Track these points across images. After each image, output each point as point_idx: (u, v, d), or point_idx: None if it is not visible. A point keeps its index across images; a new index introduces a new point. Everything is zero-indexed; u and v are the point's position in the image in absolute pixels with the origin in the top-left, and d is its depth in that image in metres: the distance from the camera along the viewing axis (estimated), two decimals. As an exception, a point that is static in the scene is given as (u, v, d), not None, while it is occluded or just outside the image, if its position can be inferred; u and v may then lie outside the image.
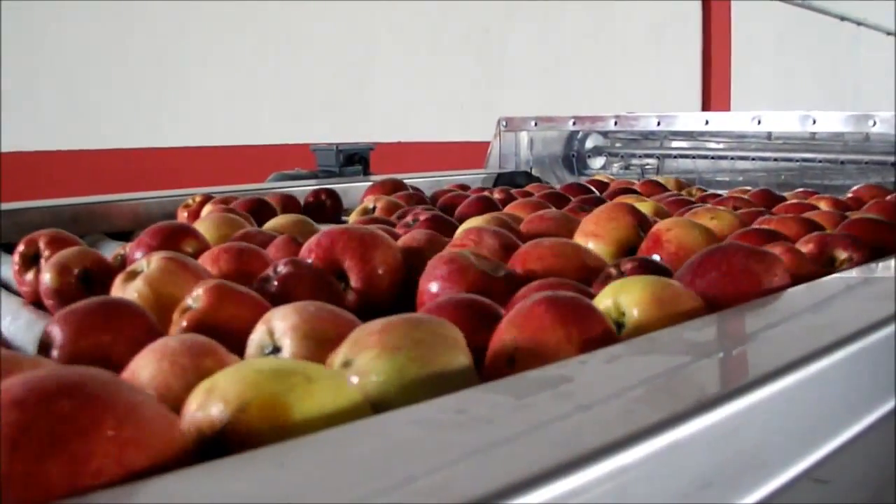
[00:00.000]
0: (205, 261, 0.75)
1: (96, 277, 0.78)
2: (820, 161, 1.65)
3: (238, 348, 0.50)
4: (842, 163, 1.61)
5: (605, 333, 0.47)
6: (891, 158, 1.48)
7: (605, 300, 0.55)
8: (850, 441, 0.40)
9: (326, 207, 1.36)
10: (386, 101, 4.19)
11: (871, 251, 0.79)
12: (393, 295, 0.77)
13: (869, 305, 0.53)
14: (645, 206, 1.02)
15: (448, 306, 0.56)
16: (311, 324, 0.50)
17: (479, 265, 0.68)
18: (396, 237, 0.87)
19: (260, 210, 1.17)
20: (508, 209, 1.13)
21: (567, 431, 0.29)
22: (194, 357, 0.45)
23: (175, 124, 3.42)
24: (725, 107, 6.38)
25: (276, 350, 0.50)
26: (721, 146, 1.88)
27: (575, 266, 0.73)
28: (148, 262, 0.69)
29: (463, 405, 0.31)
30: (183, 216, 1.22)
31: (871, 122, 1.35)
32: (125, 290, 0.67)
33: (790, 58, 7.44)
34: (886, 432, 0.42)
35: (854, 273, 0.67)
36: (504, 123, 1.92)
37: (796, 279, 0.63)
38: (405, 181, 1.50)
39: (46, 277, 0.77)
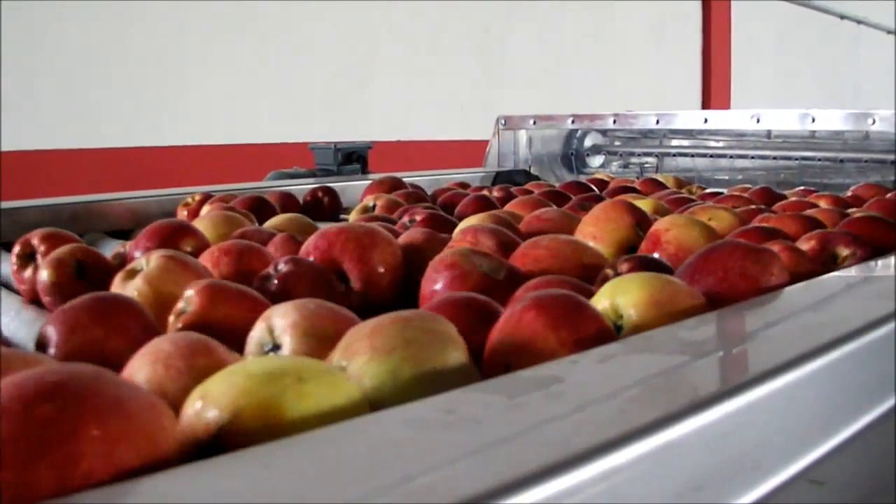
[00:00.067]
0: (205, 259, 0.75)
1: (92, 271, 0.77)
2: (819, 159, 1.65)
3: (235, 345, 0.49)
4: (841, 161, 1.61)
5: (600, 332, 0.47)
6: (890, 157, 1.48)
7: (602, 301, 0.55)
8: (846, 441, 0.39)
9: (325, 206, 1.36)
10: (386, 101, 4.19)
11: (872, 249, 0.79)
12: (393, 293, 0.77)
13: (868, 304, 0.52)
14: (644, 204, 1.01)
15: (447, 305, 0.55)
16: (310, 321, 0.50)
17: (480, 266, 0.67)
18: (397, 234, 0.86)
19: (260, 208, 1.16)
20: (508, 207, 1.13)
21: (558, 432, 0.28)
22: (188, 358, 0.45)
23: (175, 124, 3.42)
24: (725, 107, 6.38)
25: (276, 347, 0.50)
26: (720, 145, 1.88)
27: (574, 264, 0.72)
28: (147, 261, 0.69)
29: (452, 405, 0.31)
30: (183, 215, 1.22)
31: (870, 121, 1.35)
32: (125, 289, 0.67)
33: (790, 57, 7.43)
34: (883, 432, 0.41)
35: (853, 271, 0.67)
36: (503, 122, 1.92)
37: (796, 277, 0.62)
38: (404, 180, 1.50)
39: (43, 274, 0.77)
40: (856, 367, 0.42)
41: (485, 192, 1.29)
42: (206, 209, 1.16)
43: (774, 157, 1.74)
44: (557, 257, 0.73)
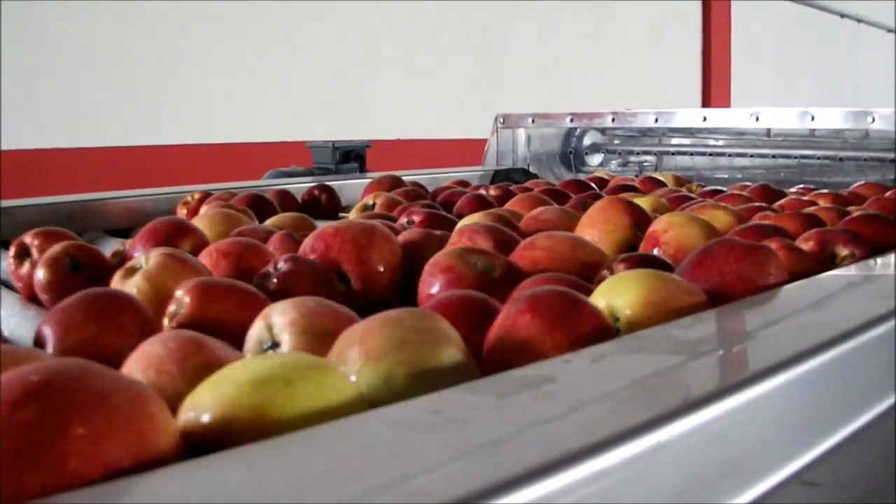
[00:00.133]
0: (204, 257, 0.75)
1: (88, 266, 0.77)
2: (819, 158, 1.64)
3: (233, 341, 0.49)
4: (840, 159, 1.60)
5: (596, 330, 0.46)
6: (890, 155, 1.47)
7: (598, 302, 0.54)
8: (841, 443, 0.38)
9: (324, 204, 1.36)
10: (386, 100, 4.19)
11: (872, 248, 0.78)
12: (394, 290, 0.76)
13: (865, 303, 0.52)
14: (644, 202, 1.00)
15: (445, 305, 0.55)
16: (309, 319, 0.50)
17: (475, 265, 0.67)
18: (397, 231, 0.86)
19: (259, 207, 1.16)
20: (508, 206, 1.12)
21: (546, 432, 0.28)
22: (180, 361, 0.45)
23: (175, 123, 3.42)
24: (725, 106, 6.36)
25: (275, 345, 0.50)
26: (720, 143, 1.87)
27: (574, 263, 0.72)
28: (147, 258, 0.69)
29: (439, 406, 0.30)
30: (182, 213, 1.22)
31: (869, 119, 1.34)
32: (124, 287, 0.67)
33: (790, 57, 7.42)
34: (879, 433, 0.41)
35: (852, 270, 0.66)
36: (501, 120, 1.91)
37: (795, 276, 0.62)
38: (397, 177, 1.49)
39: (39, 273, 0.76)
40: (851, 368, 0.41)
41: (481, 191, 1.28)
42: (205, 208, 1.15)
43: (774, 156, 1.73)
44: (555, 258, 0.73)
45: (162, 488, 0.26)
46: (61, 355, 0.52)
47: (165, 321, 0.59)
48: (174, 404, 0.37)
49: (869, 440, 0.40)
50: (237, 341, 0.50)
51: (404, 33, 4.32)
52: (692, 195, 1.25)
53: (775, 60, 7.29)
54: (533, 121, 1.88)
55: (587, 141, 2.03)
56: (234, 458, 0.28)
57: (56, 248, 0.78)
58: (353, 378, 0.41)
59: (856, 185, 1.34)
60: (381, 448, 0.27)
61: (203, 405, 0.35)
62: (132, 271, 0.68)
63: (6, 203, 1.22)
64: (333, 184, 1.44)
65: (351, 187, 1.52)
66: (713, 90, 6.48)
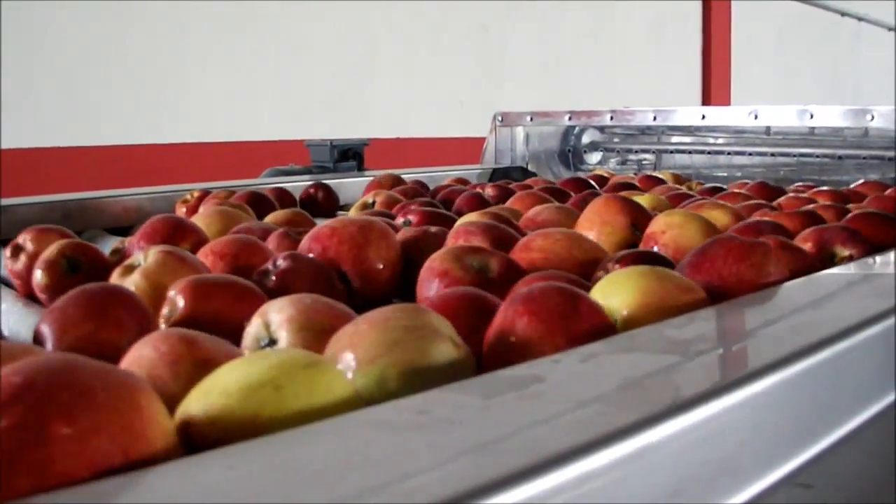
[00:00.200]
0: (203, 255, 0.75)
1: (85, 265, 0.77)
2: (818, 156, 1.63)
3: (229, 338, 0.49)
4: (840, 158, 1.59)
5: (595, 327, 0.46)
6: (890, 153, 1.46)
7: None
8: (835, 444, 0.38)
9: (322, 202, 1.36)
10: (386, 100, 4.18)
11: (871, 248, 0.78)
12: (394, 285, 0.76)
13: (864, 302, 0.51)
14: (643, 200, 0.99)
15: (443, 303, 0.54)
16: (306, 315, 0.50)
17: (472, 265, 0.66)
18: (396, 228, 0.85)
19: (258, 205, 1.16)
20: (508, 204, 1.12)
21: (533, 433, 0.27)
22: (172, 364, 0.44)
23: (175, 122, 3.42)
24: (725, 106, 6.35)
25: (273, 342, 0.49)
26: (719, 142, 1.87)
27: (572, 263, 0.71)
28: (145, 256, 0.69)
29: (426, 406, 0.30)
30: (181, 211, 1.22)
31: (869, 117, 1.34)
32: (122, 284, 0.66)
33: (790, 57, 7.41)
34: (875, 433, 0.40)
35: (852, 268, 0.66)
36: (500, 119, 1.90)
37: (794, 274, 0.61)
38: (397, 176, 1.49)
39: (37, 276, 0.76)
40: (847, 367, 0.41)
41: (478, 189, 1.28)
42: (204, 206, 1.15)
43: (773, 154, 1.73)
44: (551, 259, 0.72)
45: (143, 488, 0.26)
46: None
47: (161, 323, 0.59)
48: (169, 408, 0.36)
49: (864, 441, 0.39)
50: (234, 338, 0.50)
51: (404, 32, 4.32)
52: (692, 193, 1.24)
53: (775, 60, 7.28)
54: (531, 119, 1.87)
55: (586, 139, 2.02)
56: (217, 458, 0.27)
57: (52, 250, 0.77)
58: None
59: (855, 183, 1.33)
60: (366, 449, 0.27)
61: (194, 415, 0.35)
62: (130, 269, 0.68)
63: (7, 201, 1.21)
64: (331, 182, 1.44)
65: (349, 186, 1.52)
66: (713, 90, 6.47)
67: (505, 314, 0.48)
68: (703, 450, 0.31)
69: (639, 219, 0.85)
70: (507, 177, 1.72)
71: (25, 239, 0.86)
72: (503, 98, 4.50)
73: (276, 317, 0.50)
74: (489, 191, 1.29)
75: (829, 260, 0.78)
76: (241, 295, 0.60)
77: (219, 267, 0.74)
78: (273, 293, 0.60)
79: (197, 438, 0.34)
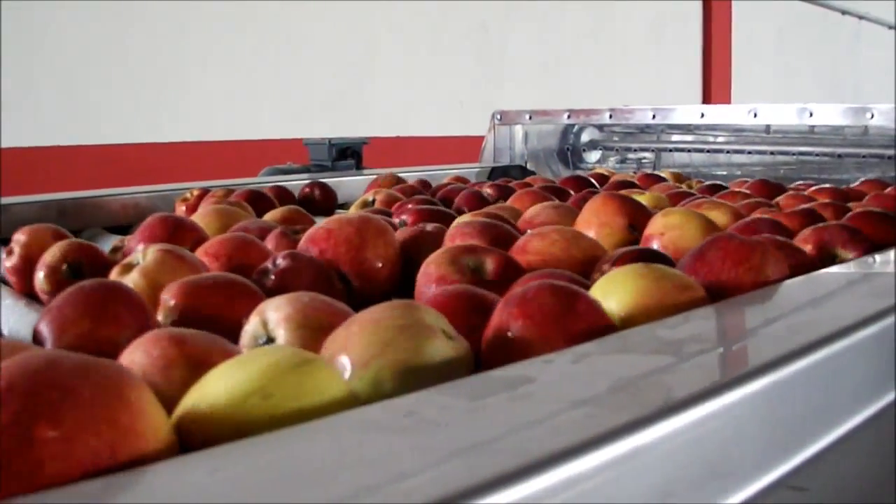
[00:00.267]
0: (201, 253, 0.75)
1: (88, 269, 0.77)
2: (817, 155, 1.63)
3: (226, 333, 0.49)
4: (839, 156, 1.59)
5: (593, 326, 0.45)
6: (890, 151, 1.46)
7: None
8: (829, 446, 0.37)
9: (321, 201, 1.36)
10: (385, 100, 4.18)
11: (872, 245, 0.77)
12: (394, 282, 0.75)
13: (863, 301, 0.51)
14: (643, 199, 0.99)
15: (441, 302, 0.54)
16: (304, 314, 0.50)
17: (468, 266, 0.66)
18: (395, 226, 0.85)
19: (258, 203, 1.16)
20: (508, 202, 1.11)
21: (520, 436, 0.27)
22: (164, 369, 0.44)
23: (175, 122, 3.41)
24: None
25: (271, 341, 0.49)
26: (719, 140, 1.86)
27: (568, 261, 0.70)
28: (144, 255, 0.68)
29: (413, 407, 0.29)
30: (181, 210, 1.22)
31: (868, 115, 1.33)
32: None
33: (790, 57, 7.40)
34: (870, 435, 0.40)
35: (852, 267, 0.65)
36: (498, 117, 1.90)
37: (794, 273, 0.61)
38: (399, 175, 1.49)
39: (39, 281, 0.76)
40: (842, 368, 0.40)
41: (475, 188, 1.27)
42: (203, 204, 1.15)
43: (772, 153, 1.72)
44: (548, 261, 0.71)
45: (124, 491, 0.25)
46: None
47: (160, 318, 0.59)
48: (170, 407, 0.36)
49: (859, 443, 0.39)
50: (232, 338, 0.50)
51: (404, 32, 4.31)
52: (692, 191, 1.24)
53: (775, 60, 7.27)
54: (530, 117, 1.87)
55: (585, 138, 2.01)
56: (201, 460, 0.27)
57: (55, 254, 0.77)
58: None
59: (855, 182, 1.33)
60: (350, 451, 0.26)
61: (184, 428, 0.35)
62: (129, 268, 0.68)
63: (5, 200, 1.21)
64: (329, 181, 1.44)
65: (347, 184, 1.52)
66: (713, 90, 6.46)
67: (500, 316, 0.48)
68: (694, 452, 0.30)
69: (637, 219, 0.84)
70: (506, 175, 1.72)
71: (19, 238, 0.86)
72: (503, 98, 4.49)
73: (274, 315, 0.50)
74: (489, 189, 1.28)
75: (830, 259, 0.77)
76: (236, 294, 0.60)
77: (213, 267, 0.73)
78: (272, 292, 0.60)
79: (190, 446, 0.34)
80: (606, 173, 1.58)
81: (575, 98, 4.80)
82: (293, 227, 0.86)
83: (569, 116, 1.83)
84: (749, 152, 1.77)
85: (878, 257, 0.69)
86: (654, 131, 1.93)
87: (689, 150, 1.89)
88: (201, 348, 0.46)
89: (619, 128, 1.98)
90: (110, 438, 0.29)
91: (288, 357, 0.37)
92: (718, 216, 0.90)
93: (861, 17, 8.20)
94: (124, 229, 1.23)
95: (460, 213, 1.02)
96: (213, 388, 0.36)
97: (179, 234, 0.83)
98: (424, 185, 1.41)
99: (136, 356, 0.45)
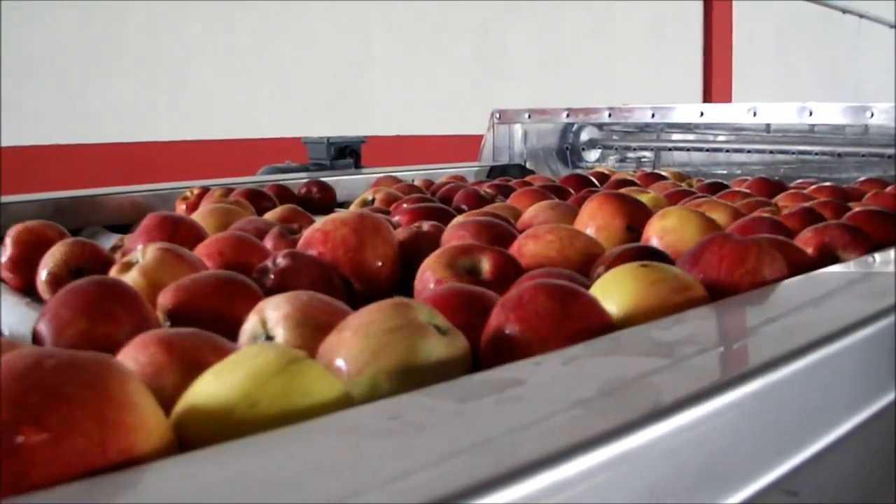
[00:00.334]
0: (201, 251, 0.74)
1: (87, 272, 0.76)
2: (817, 153, 1.62)
3: (225, 331, 0.48)
4: (839, 155, 1.58)
5: (591, 326, 0.45)
6: (890, 150, 1.45)
7: None
8: (822, 450, 0.36)
9: (320, 199, 1.36)
10: (385, 99, 4.17)
11: (872, 244, 0.77)
12: (394, 280, 0.75)
13: (861, 302, 0.50)
14: (643, 199, 0.98)
15: (439, 300, 0.53)
16: (303, 312, 0.49)
17: (464, 267, 0.65)
18: (395, 225, 0.85)
19: (258, 202, 1.16)
20: (508, 201, 1.11)
21: (506, 440, 0.26)
22: (155, 376, 0.43)
23: (173, 121, 3.41)
24: (727, 105, 6.30)
25: (269, 339, 0.49)
26: (719, 139, 1.85)
27: (565, 263, 0.69)
28: (143, 253, 0.68)
29: (398, 411, 0.29)
30: (181, 208, 1.22)
31: (868, 114, 1.32)
32: (119, 281, 0.66)
33: (790, 57, 7.39)
34: (863, 440, 0.39)
35: (851, 267, 0.65)
36: (497, 116, 1.89)
37: (794, 272, 0.60)
38: (396, 174, 1.49)
39: (42, 288, 0.76)
40: (836, 371, 0.39)
41: (475, 187, 1.27)
42: (204, 203, 1.15)
43: (772, 152, 1.72)
44: (544, 265, 0.71)
45: (99, 497, 0.25)
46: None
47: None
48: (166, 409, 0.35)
49: (853, 446, 0.38)
50: (231, 336, 0.49)
51: (403, 31, 4.31)
52: (692, 190, 1.23)
53: (775, 60, 7.25)
54: (529, 116, 1.86)
55: (584, 137, 2.01)
56: (176, 466, 0.26)
57: (57, 259, 0.77)
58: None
59: (855, 181, 1.32)
60: (329, 457, 0.26)
61: (179, 434, 0.34)
62: (128, 266, 0.68)
63: (7, 198, 1.21)
64: (328, 179, 1.44)
65: (346, 183, 1.51)
66: (714, 90, 6.45)
67: (498, 319, 0.48)
68: (684, 457, 0.30)
69: (636, 220, 0.83)
70: (505, 174, 1.71)
71: (13, 234, 0.86)
72: (503, 97, 4.48)
73: (273, 314, 0.50)
74: (488, 188, 1.28)
75: (831, 259, 0.77)
76: (236, 292, 0.60)
77: (210, 266, 0.73)
78: (272, 292, 0.59)
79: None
80: (607, 172, 1.57)
81: (575, 98, 4.79)
82: (290, 227, 0.86)
83: (568, 115, 1.82)
84: (749, 151, 1.76)
85: (878, 257, 0.69)
86: (654, 130, 1.92)
87: (688, 150, 1.88)
88: (192, 350, 0.45)
89: (619, 127, 1.97)
90: (99, 436, 0.29)
91: (272, 360, 0.36)
92: (717, 216, 0.89)
93: (862, 16, 8.18)
94: (124, 228, 1.23)
95: (460, 212, 1.01)
96: (200, 398, 0.36)
97: (179, 232, 0.83)
98: (427, 184, 1.41)
99: (129, 362, 0.44)
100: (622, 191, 1.08)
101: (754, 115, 1.49)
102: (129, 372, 0.33)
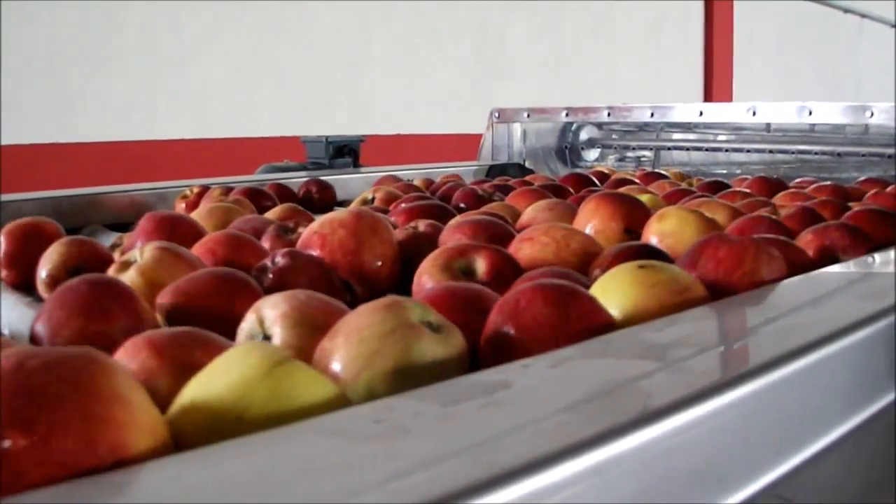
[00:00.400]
0: (199, 250, 0.74)
1: (86, 271, 0.76)
2: (817, 153, 1.62)
3: (224, 330, 0.48)
4: (839, 155, 1.58)
5: (590, 327, 0.44)
6: (890, 150, 1.45)
7: None
8: (815, 456, 0.36)
9: (320, 198, 1.36)
10: (384, 98, 4.17)
11: (872, 244, 0.76)
12: (394, 279, 0.74)
13: (860, 302, 0.49)
14: (643, 199, 0.97)
15: (437, 299, 0.53)
16: (300, 311, 0.49)
17: (459, 271, 0.65)
18: (394, 224, 0.84)
19: (258, 201, 1.15)
20: (507, 200, 1.10)
21: (488, 445, 0.26)
22: (147, 382, 0.43)
23: (172, 120, 3.41)
24: (728, 105, 6.29)
25: (267, 339, 0.49)
26: (719, 139, 1.85)
27: (561, 264, 0.69)
28: (142, 252, 0.68)
29: (382, 414, 0.28)
30: (181, 207, 1.22)
31: (868, 113, 1.32)
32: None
33: (791, 57, 7.38)
34: (856, 445, 0.38)
35: (851, 267, 0.64)
36: (496, 115, 1.88)
37: (793, 272, 0.60)
38: (395, 174, 1.48)
39: (42, 289, 0.76)
40: (832, 373, 0.39)
41: (473, 186, 1.26)
42: (203, 202, 1.15)
43: (772, 151, 1.71)
44: (543, 253, 0.70)
45: (85, 497, 0.24)
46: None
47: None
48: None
49: (852, 448, 0.38)
50: (229, 334, 0.49)
51: (403, 30, 4.30)
52: (692, 189, 1.23)
53: (776, 60, 7.24)
54: (528, 115, 1.86)
55: (584, 136, 2.00)
56: (157, 469, 0.26)
57: (55, 261, 0.76)
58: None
59: (855, 181, 1.32)
60: (311, 459, 0.25)
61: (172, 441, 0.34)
62: (127, 265, 0.67)
63: (7, 197, 1.21)
64: (326, 178, 1.44)
65: (344, 182, 1.51)
66: (715, 90, 6.44)
67: (495, 325, 0.47)
68: (673, 463, 0.29)
69: (634, 221, 0.82)
70: (504, 173, 1.70)
71: (8, 230, 0.86)
72: (503, 97, 4.47)
73: (271, 313, 0.49)
74: (488, 187, 1.27)
75: (831, 259, 0.76)
76: (235, 290, 0.60)
77: (215, 260, 0.73)
78: (270, 291, 0.59)
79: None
80: (607, 171, 1.57)
81: (575, 97, 4.78)
82: (287, 225, 0.86)
83: (567, 114, 1.82)
84: (748, 151, 1.76)
85: (878, 257, 0.68)
86: (653, 130, 1.92)
87: (688, 149, 1.88)
88: (183, 352, 0.45)
89: (618, 126, 1.97)
90: (87, 434, 0.29)
91: (261, 363, 0.36)
92: (717, 216, 0.88)
93: (863, 16, 8.16)
94: (124, 227, 1.23)
95: (459, 210, 1.01)
96: (188, 408, 0.35)
97: (178, 231, 0.82)
98: (427, 183, 1.40)
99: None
100: (621, 190, 1.08)
101: (754, 114, 1.48)
102: (118, 366, 0.33)
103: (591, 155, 2.01)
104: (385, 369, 0.41)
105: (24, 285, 0.82)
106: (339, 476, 0.24)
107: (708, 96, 6.41)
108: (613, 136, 2.01)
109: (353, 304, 0.52)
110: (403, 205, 1.02)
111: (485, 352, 0.47)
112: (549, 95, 4.66)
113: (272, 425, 0.32)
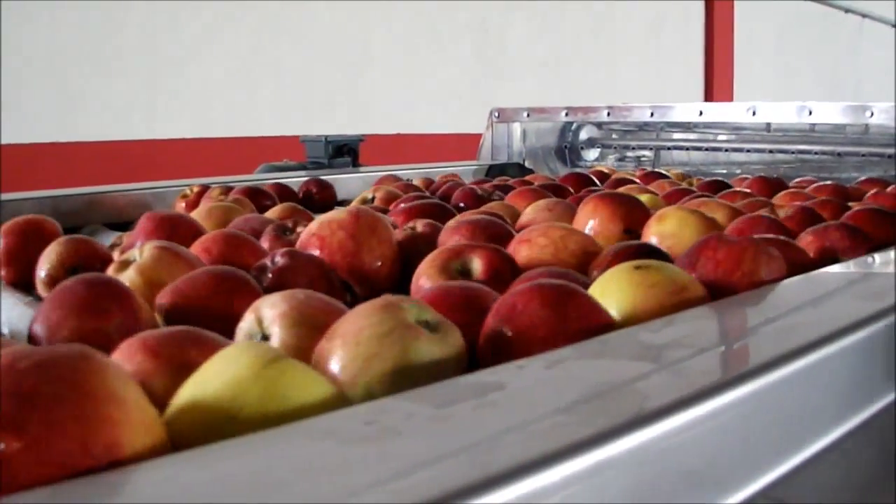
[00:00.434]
0: (197, 249, 0.74)
1: (84, 270, 0.76)
2: (817, 153, 1.61)
3: (224, 329, 0.48)
4: (839, 154, 1.57)
5: (589, 328, 0.44)
6: (890, 150, 1.44)
7: None
8: (810, 459, 0.35)
9: (320, 198, 1.36)
10: (384, 97, 4.16)
11: (872, 244, 0.76)
12: (394, 278, 0.74)
13: (859, 303, 0.49)
14: (643, 198, 0.97)
15: (436, 299, 0.53)
16: (299, 311, 0.49)
17: (457, 272, 0.64)
18: (395, 224, 0.84)
19: (258, 200, 1.15)
20: (507, 200, 1.10)
21: (481, 446, 0.25)
22: (143, 384, 0.42)
23: (172, 119, 3.41)
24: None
25: (266, 338, 0.49)
26: (719, 138, 1.85)
27: (560, 265, 0.68)
28: (141, 252, 0.68)
29: (374, 415, 0.28)
30: (181, 206, 1.22)
31: (868, 113, 1.31)
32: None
33: (791, 57, 7.37)
34: (851, 448, 0.38)
35: (851, 267, 0.64)
36: (496, 115, 1.88)
37: (793, 272, 0.59)
38: (395, 173, 1.48)
39: (40, 288, 0.76)
40: (827, 376, 0.38)
41: (473, 185, 1.26)
42: (203, 201, 1.14)
43: (772, 151, 1.71)
44: (542, 253, 0.70)
45: (79, 498, 0.24)
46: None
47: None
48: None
49: (852, 449, 0.37)
50: (228, 333, 0.49)
51: (403, 29, 4.30)
52: (692, 188, 1.22)
53: (776, 60, 7.24)
54: (528, 115, 1.85)
55: (583, 136, 2.00)
56: (153, 469, 0.25)
57: (53, 260, 0.76)
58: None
59: (855, 180, 1.31)
60: (301, 461, 0.25)
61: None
62: (126, 265, 0.67)
63: (7, 196, 1.21)
64: (325, 178, 1.43)
65: (343, 182, 1.50)
66: (715, 90, 6.43)
67: (493, 325, 0.47)
68: (668, 465, 0.29)
69: (633, 221, 0.82)
70: (504, 173, 1.70)
71: (5, 229, 0.86)
72: (503, 96, 4.46)
73: (269, 312, 0.49)
74: (487, 187, 1.27)
75: (831, 259, 0.76)
76: (234, 289, 0.60)
77: (213, 259, 0.73)
78: (270, 291, 0.59)
79: None
80: (607, 171, 1.57)
81: (575, 97, 4.77)
82: (285, 225, 0.85)
83: (567, 114, 1.81)
84: (748, 151, 1.75)
85: (877, 257, 0.68)
86: (653, 129, 1.92)
87: (688, 149, 1.88)
88: (179, 352, 0.45)
89: (618, 126, 1.96)
90: (81, 434, 0.28)
91: (251, 364, 0.35)
92: (717, 216, 0.88)
93: (864, 16, 8.16)
94: (123, 226, 1.23)
95: (458, 210, 1.00)
96: (184, 408, 0.35)
97: (178, 231, 0.82)
98: (426, 183, 1.40)
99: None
100: (621, 190, 1.07)
101: (753, 114, 1.48)
102: (112, 365, 0.32)
103: (591, 155, 2.01)
104: (383, 371, 0.40)
105: (22, 283, 0.82)
106: (333, 477, 0.24)
107: (708, 96, 6.40)
108: (613, 136, 2.01)
109: (352, 305, 0.52)
110: (403, 204, 1.02)
111: (484, 352, 0.47)
112: (549, 95, 4.65)
113: (267, 425, 0.31)
